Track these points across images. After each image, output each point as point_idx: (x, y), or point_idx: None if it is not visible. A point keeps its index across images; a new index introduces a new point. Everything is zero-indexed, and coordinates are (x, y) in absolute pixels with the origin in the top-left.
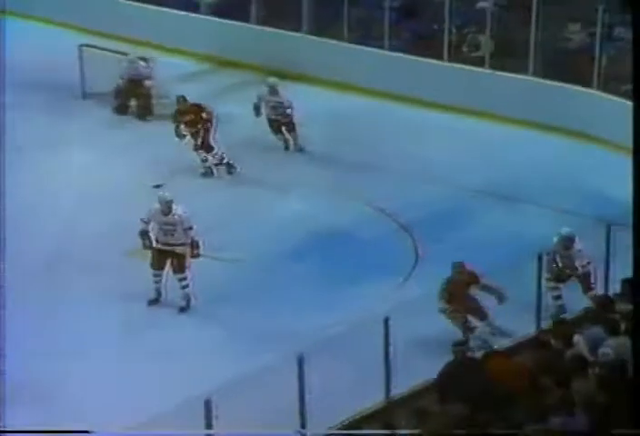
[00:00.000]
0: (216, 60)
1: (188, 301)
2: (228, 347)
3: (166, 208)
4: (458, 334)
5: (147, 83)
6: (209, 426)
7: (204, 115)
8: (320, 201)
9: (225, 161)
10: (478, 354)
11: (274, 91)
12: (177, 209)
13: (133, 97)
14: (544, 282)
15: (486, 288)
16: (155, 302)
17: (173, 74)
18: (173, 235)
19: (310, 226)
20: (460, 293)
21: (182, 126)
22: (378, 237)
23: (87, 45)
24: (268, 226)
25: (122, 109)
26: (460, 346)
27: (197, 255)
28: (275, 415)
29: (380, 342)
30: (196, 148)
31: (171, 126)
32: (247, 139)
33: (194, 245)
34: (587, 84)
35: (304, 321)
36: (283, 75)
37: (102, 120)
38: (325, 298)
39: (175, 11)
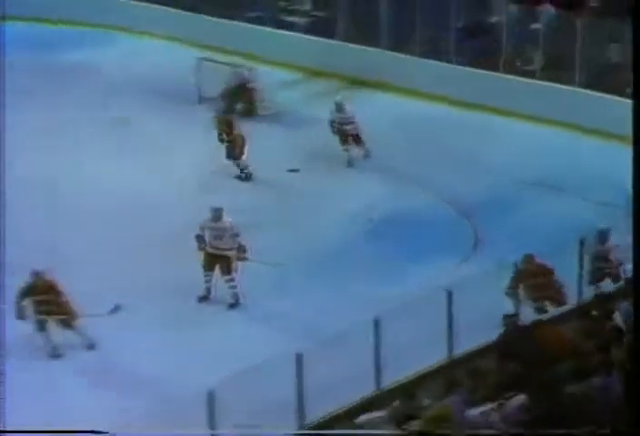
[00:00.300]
0: (308, 70)
1: (237, 299)
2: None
3: (216, 216)
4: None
5: (250, 86)
6: (300, 378)
7: (236, 131)
8: (389, 191)
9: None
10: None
11: (340, 108)
12: (226, 216)
13: (238, 100)
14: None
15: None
16: (204, 299)
17: (271, 82)
18: (222, 240)
19: (380, 212)
20: (530, 283)
21: (223, 134)
22: (442, 222)
23: (203, 58)
24: (340, 215)
25: (229, 111)
26: (510, 318)
27: (244, 259)
28: (354, 370)
29: (443, 313)
30: (233, 157)
31: (269, 126)
32: (328, 141)
33: (240, 250)
34: (623, 94)
35: (375, 293)
36: (363, 84)
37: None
38: (394, 274)
39: (274, 29)
